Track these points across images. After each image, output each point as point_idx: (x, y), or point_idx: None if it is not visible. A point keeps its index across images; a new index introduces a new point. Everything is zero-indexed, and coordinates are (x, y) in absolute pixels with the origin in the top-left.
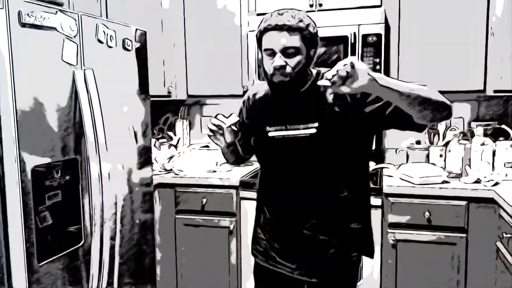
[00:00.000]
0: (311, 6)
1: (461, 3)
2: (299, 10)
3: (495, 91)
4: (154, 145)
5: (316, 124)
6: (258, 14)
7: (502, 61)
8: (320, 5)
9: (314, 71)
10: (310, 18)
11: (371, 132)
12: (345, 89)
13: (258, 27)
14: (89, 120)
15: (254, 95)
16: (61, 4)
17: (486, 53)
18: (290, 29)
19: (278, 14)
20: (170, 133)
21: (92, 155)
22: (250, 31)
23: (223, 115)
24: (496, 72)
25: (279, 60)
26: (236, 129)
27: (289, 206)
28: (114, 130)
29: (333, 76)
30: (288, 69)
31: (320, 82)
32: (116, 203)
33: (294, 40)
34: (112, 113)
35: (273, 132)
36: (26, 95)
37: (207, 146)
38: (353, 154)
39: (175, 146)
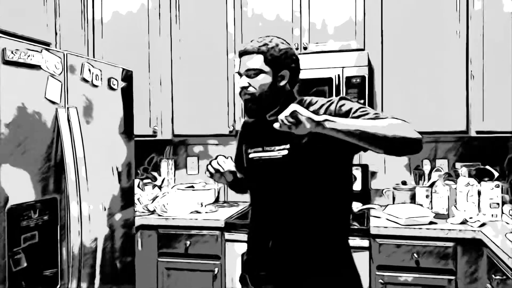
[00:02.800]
0: (296, 49)
1: (441, 46)
2: (276, 37)
3: (478, 132)
4: (138, 186)
5: (288, 146)
6: None
7: (483, 103)
8: (305, 48)
9: (297, 97)
10: (282, 42)
11: (345, 152)
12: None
13: None
14: (71, 159)
15: (245, 123)
16: (48, 44)
17: (467, 95)
18: (252, 52)
19: (251, 41)
20: (155, 173)
21: (73, 194)
22: (236, 72)
23: (224, 156)
24: (478, 114)
25: (242, 80)
26: (234, 170)
27: (260, 228)
28: (97, 169)
29: (280, 126)
30: (251, 89)
31: (275, 125)
32: (96, 245)
33: (256, 62)
34: (95, 152)
35: (252, 154)
36: (6, 131)
37: (192, 187)
38: (327, 176)
39: (160, 187)
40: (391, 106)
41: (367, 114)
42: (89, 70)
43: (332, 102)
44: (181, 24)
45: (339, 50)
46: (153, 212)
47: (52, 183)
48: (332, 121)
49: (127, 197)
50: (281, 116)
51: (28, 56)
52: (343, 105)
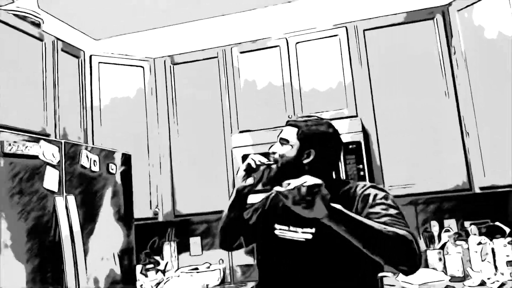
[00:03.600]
0: (290, 118)
1: (432, 107)
2: (326, 120)
3: (481, 188)
4: (141, 272)
5: (312, 230)
6: (241, 131)
7: (482, 158)
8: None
9: (333, 177)
10: (320, 124)
11: None
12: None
13: None
14: (69, 248)
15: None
16: (47, 135)
17: (465, 152)
18: (291, 124)
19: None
20: (158, 258)
21: (71, 284)
22: (234, 147)
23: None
24: (478, 170)
25: (274, 146)
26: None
27: None
28: (97, 257)
29: (288, 192)
30: (275, 156)
31: (276, 188)
32: None
33: (289, 134)
34: (95, 239)
35: (278, 231)
36: (2, 221)
37: (196, 269)
38: (353, 260)
39: (163, 271)
40: (390, 170)
41: (384, 216)
42: (87, 156)
43: (364, 195)
44: (177, 105)
45: (332, 118)
46: None
47: (50, 275)
48: (346, 213)
49: (129, 285)
50: (296, 183)
51: (26, 147)
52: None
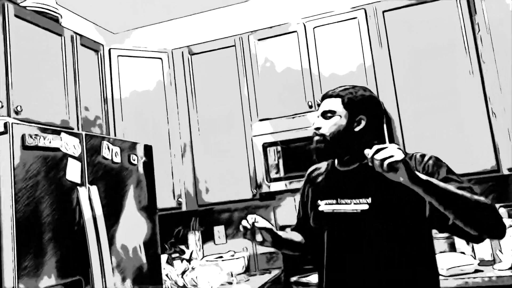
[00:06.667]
0: (310, 107)
1: (456, 87)
2: (363, 87)
3: (510, 170)
4: (167, 261)
5: (368, 200)
6: (261, 120)
7: (511, 139)
8: (319, 104)
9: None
10: (364, 90)
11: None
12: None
13: None
14: (93, 239)
15: (313, 171)
16: (70, 128)
17: (492, 133)
18: (332, 96)
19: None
20: (183, 247)
21: (97, 275)
22: (254, 135)
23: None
24: (506, 150)
25: (317, 121)
26: (269, 228)
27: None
28: (122, 247)
29: (371, 157)
30: (322, 131)
31: (365, 151)
32: None
33: (333, 105)
34: (119, 229)
35: (323, 206)
36: (26, 214)
37: (221, 257)
38: (409, 228)
39: (188, 260)
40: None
41: (461, 183)
42: (108, 148)
43: (428, 165)
44: (196, 94)
45: None
46: (183, 287)
47: (76, 264)
48: (435, 184)
49: (155, 275)
50: (379, 157)
51: (47, 139)
52: (439, 168)
